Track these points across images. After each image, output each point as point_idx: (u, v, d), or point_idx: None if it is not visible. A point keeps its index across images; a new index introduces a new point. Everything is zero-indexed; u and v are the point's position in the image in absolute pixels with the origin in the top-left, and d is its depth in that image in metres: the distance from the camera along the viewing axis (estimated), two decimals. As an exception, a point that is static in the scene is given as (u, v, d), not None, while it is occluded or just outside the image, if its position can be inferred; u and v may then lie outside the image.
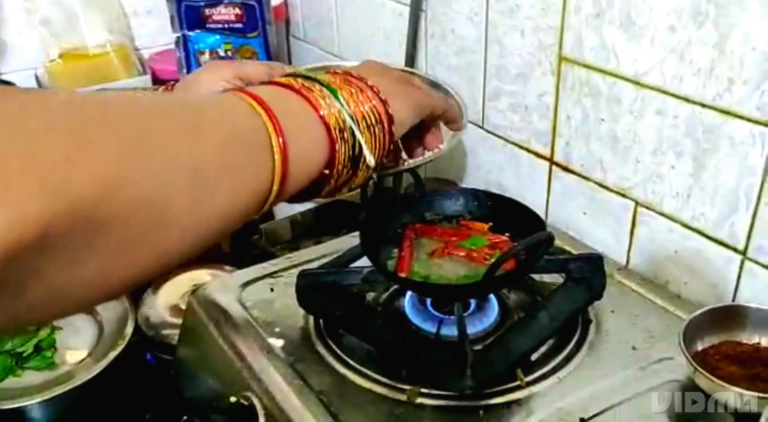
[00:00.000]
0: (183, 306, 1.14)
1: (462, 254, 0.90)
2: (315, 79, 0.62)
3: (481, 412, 0.79)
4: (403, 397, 0.81)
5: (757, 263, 0.87)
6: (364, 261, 0.97)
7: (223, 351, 0.93)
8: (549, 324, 0.85)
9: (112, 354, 1.08)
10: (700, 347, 0.84)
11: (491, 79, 1.18)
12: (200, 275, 1.20)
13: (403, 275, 0.87)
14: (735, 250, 0.89)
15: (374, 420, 0.78)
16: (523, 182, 1.18)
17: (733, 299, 0.91)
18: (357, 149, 0.61)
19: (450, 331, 0.87)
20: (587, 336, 0.89)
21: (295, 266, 1.05)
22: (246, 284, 1.02)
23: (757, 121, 0.82)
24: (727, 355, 0.84)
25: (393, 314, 0.91)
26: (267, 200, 0.55)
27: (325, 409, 0.80)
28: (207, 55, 1.62)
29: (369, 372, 0.84)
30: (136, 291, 1.19)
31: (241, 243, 1.36)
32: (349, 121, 0.60)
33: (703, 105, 0.87)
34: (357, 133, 0.60)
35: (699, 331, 0.84)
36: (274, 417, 0.82)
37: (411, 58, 1.31)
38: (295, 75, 0.63)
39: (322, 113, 0.58)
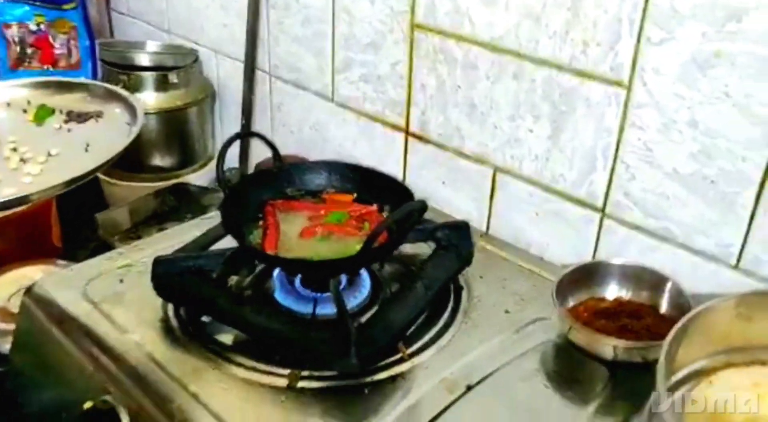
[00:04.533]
0: (13, 309, 1.01)
1: (331, 230, 0.86)
2: None
3: (366, 390, 0.75)
4: (283, 383, 0.76)
5: (615, 219, 0.90)
6: (223, 244, 0.91)
7: (70, 353, 0.82)
8: (425, 293, 0.83)
9: None
10: (569, 304, 0.86)
11: (341, 49, 1.14)
12: (30, 273, 1.07)
13: (271, 253, 0.82)
14: (594, 208, 0.92)
15: (258, 412, 0.73)
16: (377, 155, 1.16)
17: (593, 258, 0.94)
18: None
19: (324, 310, 0.83)
20: (460, 303, 0.89)
21: (143, 255, 0.95)
22: (90, 278, 0.91)
23: (611, 81, 0.84)
24: (594, 311, 0.87)
25: (261, 298, 0.85)
26: None
27: (201, 406, 0.73)
28: (15, 29, 1.44)
29: (242, 361, 0.78)
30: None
31: (74, 235, 1.23)
32: None
33: (560, 68, 0.88)
34: None
35: (567, 289, 0.86)
36: (138, 416, 0.74)
37: (252, 32, 1.24)
38: None
39: None
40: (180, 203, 1.31)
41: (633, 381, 0.78)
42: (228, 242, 0.91)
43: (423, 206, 0.79)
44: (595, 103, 0.86)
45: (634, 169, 0.86)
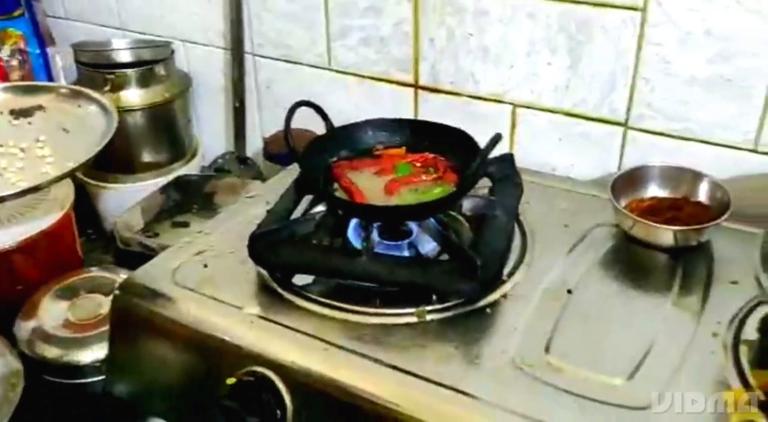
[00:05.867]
0: (74, 319, 1.00)
1: (410, 181, 0.92)
2: None
3: (488, 310, 0.83)
4: (413, 319, 0.82)
5: (638, 130, 1.02)
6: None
7: (189, 340, 0.84)
8: (508, 220, 0.91)
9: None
10: (621, 205, 0.97)
11: (335, 18, 1.18)
12: (82, 283, 1.05)
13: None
14: (617, 124, 1.03)
15: (404, 350, 0.78)
16: (386, 114, 1.20)
17: (619, 168, 1.06)
18: None
19: (413, 251, 0.90)
20: (525, 226, 0.98)
21: (212, 239, 0.98)
22: (173, 270, 0.92)
23: (626, 6, 0.95)
24: (640, 210, 0.98)
25: (365, 251, 0.89)
26: None
27: (350, 354, 0.77)
28: (-41, 48, 1.37)
29: (365, 309, 0.83)
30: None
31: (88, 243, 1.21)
32: None
33: (574, 2, 0.98)
34: None
35: (615, 195, 0.97)
36: (296, 381, 0.78)
37: (238, 12, 1.25)
38: None
39: None
40: (184, 196, 1.31)
41: (693, 262, 0.91)
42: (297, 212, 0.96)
43: (499, 135, 0.86)
44: (612, 28, 0.97)
45: (654, 82, 0.97)
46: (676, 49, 0.94)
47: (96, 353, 0.96)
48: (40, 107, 0.96)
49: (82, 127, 0.91)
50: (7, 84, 1.23)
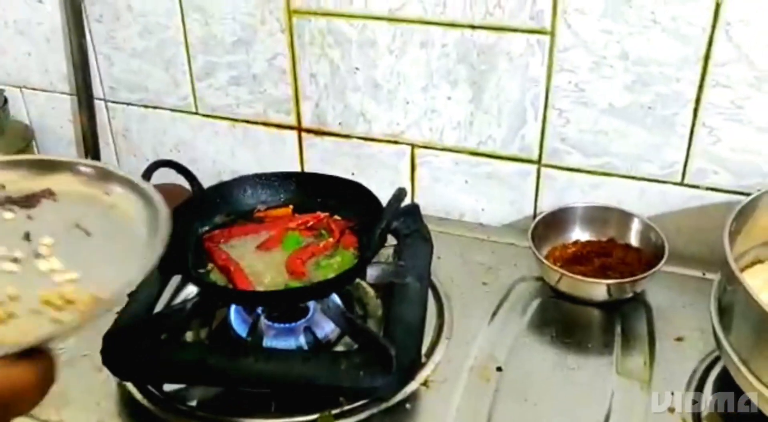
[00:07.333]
0: None
1: (312, 253, 0.76)
2: None
3: (407, 405, 0.69)
4: (317, 429, 0.66)
5: (553, 167, 0.90)
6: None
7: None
8: (420, 286, 0.77)
9: None
10: (542, 256, 0.85)
11: (198, 54, 1.01)
12: None
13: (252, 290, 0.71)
14: (530, 161, 0.91)
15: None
16: (266, 162, 1.05)
17: (535, 210, 0.94)
18: None
19: (310, 337, 0.74)
20: (438, 289, 0.84)
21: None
22: None
23: (532, 30, 0.83)
24: (564, 259, 0.87)
25: (251, 348, 0.72)
26: None
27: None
28: None
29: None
30: None
31: None
32: None
33: (473, 27, 0.86)
34: None
35: (536, 242, 0.84)
36: None
37: (81, 51, 1.05)
38: None
39: None
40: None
41: (630, 317, 0.80)
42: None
43: (403, 190, 0.73)
44: (518, 55, 0.85)
45: (568, 113, 0.86)
46: (589, 75, 0.83)
47: None
48: (50, 193, 0.64)
49: (100, 223, 0.56)
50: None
